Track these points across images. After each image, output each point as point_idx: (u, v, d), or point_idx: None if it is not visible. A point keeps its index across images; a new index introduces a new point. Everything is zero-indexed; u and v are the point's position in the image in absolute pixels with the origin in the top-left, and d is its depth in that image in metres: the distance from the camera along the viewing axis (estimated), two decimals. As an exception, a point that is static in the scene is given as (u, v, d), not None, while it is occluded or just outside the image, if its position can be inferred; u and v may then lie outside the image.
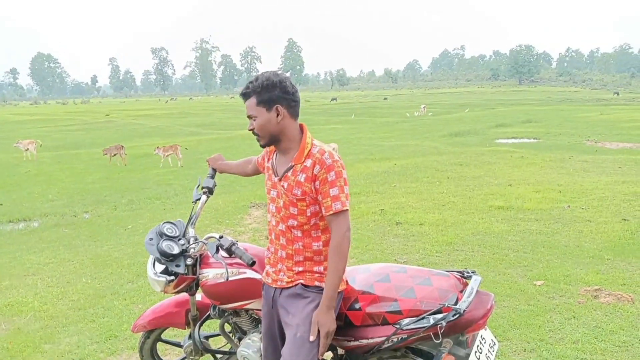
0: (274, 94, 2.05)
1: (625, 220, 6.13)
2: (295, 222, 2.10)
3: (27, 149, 16.47)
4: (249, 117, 2.11)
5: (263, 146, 2.17)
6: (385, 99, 60.98)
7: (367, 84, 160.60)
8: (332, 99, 60.21)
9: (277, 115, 2.06)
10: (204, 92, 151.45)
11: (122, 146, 15.27)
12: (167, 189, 10.70)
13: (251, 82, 2.09)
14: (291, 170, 2.09)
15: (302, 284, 2.12)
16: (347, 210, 2.03)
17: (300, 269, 2.13)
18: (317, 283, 2.12)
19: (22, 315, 4.20)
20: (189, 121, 32.68)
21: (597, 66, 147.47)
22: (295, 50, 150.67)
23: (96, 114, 44.31)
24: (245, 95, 2.11)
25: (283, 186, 2.10)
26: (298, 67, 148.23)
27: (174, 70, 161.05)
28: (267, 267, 2.26)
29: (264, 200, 8.17)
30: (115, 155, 15.07)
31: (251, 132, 2.14)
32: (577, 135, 17.49)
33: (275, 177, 2.16)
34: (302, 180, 2.05)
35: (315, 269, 2.12)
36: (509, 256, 5.04)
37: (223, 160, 2.80)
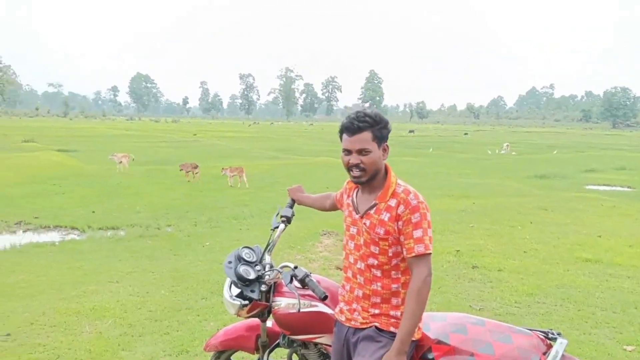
0: (386, 131, 2.08)
1: None
2: (376, 262, 2.08)
3: (121, 162, 17.69)
4: (359, 151, 2.04)
5: (363, 182, 2.10)
6: (466, 134, 59.67)
7: (447, 118, 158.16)
8: (410, 131, 59.82)
9: (384, 152, 2.09)
10: (284, 117, 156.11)
11: (197, 165, 16.08)
12: (244, 209, 11.03)
13: (363, 116, 2.04)
14: (374, 209, 2.08)
15: (376, 327, 2.09)
16: (430, 254, 1.99)
17: (377, 311, 2.10)
18: (392, 329, 2.07)
19: (104, 320, 4.45)
20: (269, 145, 33.72)
21: None
22: (375, 82, 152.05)
23: (185, 133, 46.94)
24: (359, 129, 2.04)
25: (365, 224, 2.09)
26: (377, 98, 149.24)
27: (259, 96, 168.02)
28: (342, 305, 2.24)
29: (336, 229, 8.19)
30: (189, 172, 15.88)
31: (352, 166, 2.07)
32: (679, 187, 16.07)
33: (357, 214, 2.15)
34: (386, 219, 2.03)
35: (392, 312, 2.08)
36: (596, 314, 4.66)
37: (303, 192, 2.83)
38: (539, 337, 2.08)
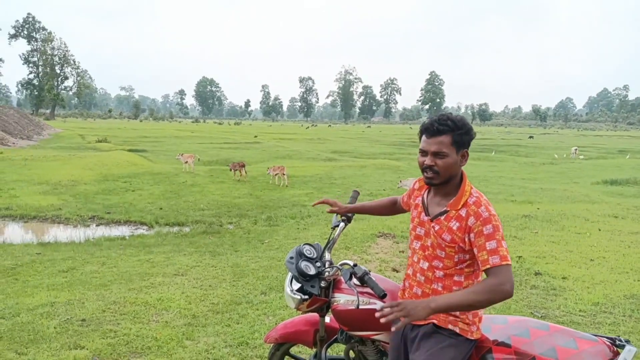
0: (467, 137, 2.06)
1: None
2: (441, 264, 2.10)
3: (187, 162, 18.43)
4: (435, 153, 2.04)
5: (435, 184, 2.10)
6: (530, 137, 57.44)
7: (511, 121, 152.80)
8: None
9: (462, 159, 2.08)
10: (342, 120, 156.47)
11: (244, 164, 16.69)
12: (302, 210, 11.21)
13: (445, 119, 2.04)
14: (445, 215, 2.08)
15: (434, 324, 2.11)
16: (509, 265, 1.92)
17: None
18: (450, 326, 2.09)
19: (170, 310, 4.70)
20: (326, 147, 33.96)
21: None
22: (436, 83, 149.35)
23: (246, 135, 48.16)
24: (439, 131, 2.03)
25: (434, 227, 2.10)
26: (438, 100, 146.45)
27: (317, 99, 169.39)
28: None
29: (392, 231, 8.17)
30: (236, 170, 16.43)
31: (426, 167, 2.07)
32: None
33: (426, 216, 2.16)
34: (455, 228, 2.04)
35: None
36: (670, 328, 4.40)
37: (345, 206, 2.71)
38: (605, 343, 2.02)
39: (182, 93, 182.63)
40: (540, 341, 2.02)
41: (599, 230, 8.73)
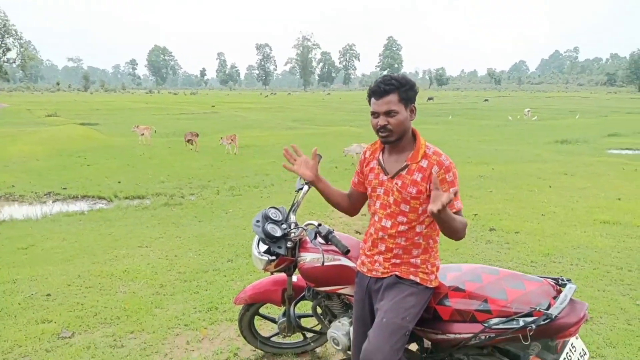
0: (412, 93, 2.17)
1: None
2: (405, 219, 2.21)
3: (143, 134, 17.98)
4: (386, 112, 2.13)
5: (391, 142, 2.20)
6: (486, 100, 58.66)
7: (467, 84, 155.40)
8: (429, 99, 58.99)
9: (411, 114, 2.19)
10: (302, 87, 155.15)
11: (197, 134, 16.68)
12: (265, 178, 11.23)
13: (389, 79, 2.14)
14: (406, 170, 2.19)
15: (396, 276, 2.24)
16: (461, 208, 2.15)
17: (397, 261, 2.24)
18: (411, 277, 2.22)
19: (137, 281, 4.71)
20: (287, 115, 33.74)
21: None
22: (394, 49, 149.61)
23: (203, 105, 47.17)
24: (385, 92, 2.13)
25: (397, 184, 2.20)
26: (396, 66, 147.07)
27: (276, 66, 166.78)
28: (363, 257, 2.38)
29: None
30: (189, 140, 16.43)
31: (381, 127, 2.16)
32: None
33: (385, 175, 2.25)
34: (418, 179, 2.15)
35: (412, 261, 2.23)
36: (611, 273, 4.76)
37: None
38: (549, 283, 2.21)
39: (133, 63, 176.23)
40: (491, 284, 2.19)
41: (550, 187, 9.17)
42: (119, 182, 10.91)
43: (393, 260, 2.25)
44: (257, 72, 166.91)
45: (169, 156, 14.97)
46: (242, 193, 9.72)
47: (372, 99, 2.19)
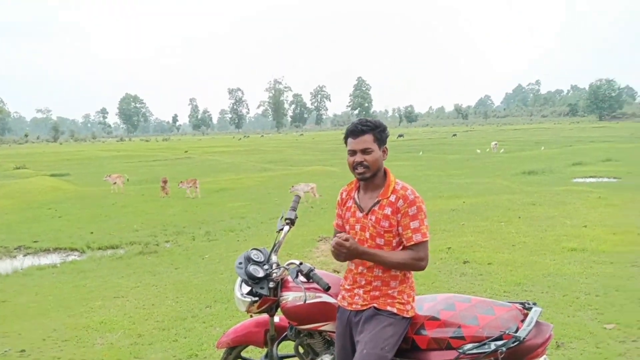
0: (385, 135, 2.41)
1: None
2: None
3: (115, 183, 17.85)
4: (363, 150, 2.35)
5: (366, 179, 2.39)
6: (454, 135, 60.20)
7: (436, 120, 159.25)
8: (399, 135, 60.23)
9: (384, 154, 2.42)
10: (275, 129, 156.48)
11: (166, 180, 16.67)
12: (241, 221, 11.25)
13: (365, 121, 2.39)
14: (378, 205, 2.38)
15: (375, 307, 2.37)
16: (427, 241, 2.31)
17: (376, 293, 2.38)
18: (389, 308, 2.35)
19: (114, 332, 4.66)
20: (261, 157, 33.95)
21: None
22: (364, 88, 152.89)
23: (176, 150, 47.08)
24: (362, 132, 2.37)
25: (371, 219, 2.38)
26: (366, 105, 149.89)
27: (248, 109, 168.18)
28: (343, 292, 2.51)
29: (331, 234, 8.42)
30: (163, 187, 16.39)
31: (357, 164, 2.36)
32: (663, 175, 16.45)
33: (361, 212, 2.43)
34: (389, 213, 2.34)
35: (390, 292, 2.37)
36: (580, 299, 4.93)
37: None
38: (517, 307, 2.36)
39: (104, 112, 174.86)
40: (464, 312, 2.32)
41: (519, 217, 9.45)
42: (92, 233, 10.77)
43: (372, 293, 2.38)
44: (229, 116, 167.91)
45: (142, 204, 14.87)
46: (218, 238, 9.71)
47: (350, 139, 2.42)
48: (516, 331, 2.17)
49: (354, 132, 2.38)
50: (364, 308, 2.39)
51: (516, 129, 75.78)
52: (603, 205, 10.53)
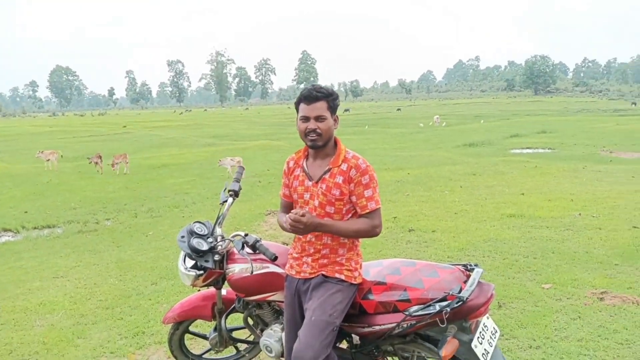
0: (337, 103, 2.35)
1: (635, 227, 6.23)
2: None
3: (49, 160, 16.93)
4: (316, 117, 2.28)
5: (318, 146, 2.33)
6: (398, 109, 61.14)
7: (380, 95, 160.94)
8: (345, 110, 60.45)
9: (335, 122, 2.38)
10: (218, 103, 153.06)
11: (101, 155, 16.24)
12: (185, 197, 10.98)
13: (320, 88, 2.34)
14: (329, 173, 2.34)
15: (323, 275, 2.36)
16: (380, 208, 2.32)
17: (325, 261, 2.37)
18: (337, 275, 2.35)
19: (54, 313, 4.45)
20: (204, 132, 33.16)
21: (614, 76, 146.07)
22: (309, 62, 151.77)
23: (113, 126, 45.12)
24: (316, 98, 2.30)
25: (321, 187, 2.34)
26: (312, 79, 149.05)
27: (190, 83, 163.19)
28: (291, 261, 2.48)
29: (278, 208, 8.39)
30: (97, 163, 15.99)
31: (310, 131, 2.30)
32: (592, 146, 17.49)
33: (310, 180, 2.38)
34: (340, 182, 2.31)
35: (338, 259, 2.37)
36: (519, 261, 5.18)
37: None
38: (460, 269, 2.43)
39: (33, 85, 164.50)
40: (409, 275, 2.36)
41: (461, 187, 9.78)
42: (26, 212, 10.19)
43: (321, 261, 2.37)
44: (170, 89, 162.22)
45: (79, 181, 14.21)
46: (162, 214, 9.44)
47: (302, 104, 2.33)
48: (459, 292, 2.24)
49: (308, 97, 2.31)
50: (312, 276, 2.38)
51: (457, 103, 77.98)
52: (539, 174, 11.07)
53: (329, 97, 2.32)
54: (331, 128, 2.33)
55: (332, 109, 2.34)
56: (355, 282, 2.37)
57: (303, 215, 2.20)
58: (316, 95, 2.30)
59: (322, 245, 2.37)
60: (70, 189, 12.99)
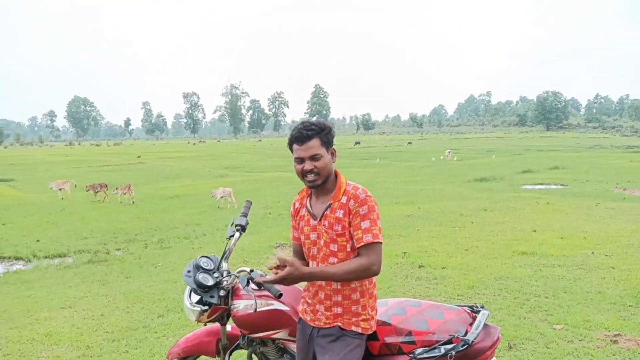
0: (331, 136, 2.27)
1: (650, 267, 6.11)
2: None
3: (61, 189, 17.19)
4: (312, 157, 2.20)
5: (318, 186, 2.26)
6: (409, 143, 61.32)
7: (392, 129, 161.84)
8: (356, 143, 60.82)
9: (332, 156, 2.29)
10: (232, 135, 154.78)
11: (106, 185, 16.75)
12: (196, 229, 11.01)
13: (309, 125, 2.23)
14: (329, 209, 2.25)
15: (339, 327, 2.25)
16: (379, 243, 2.16)
17: (339, 309, 2.26)
18: (354, 328, 2.25)
19: (61, 344, 4.44)
20: (217, 163, 33.47)
21: (627, 113, 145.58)
22: (322, 96, 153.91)
23: (128, 156, 45.76)
24: (308, 137, 2.21)
25: (324, 225, 2.25)
26: (324, 112, 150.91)
27: (204, 114, 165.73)
28: (305, 305, 2.40)
29: (288, 241, 8.37)
30: (98, 192, 16.45)
31: (306, 172, 2.22)
32: (605, 183, 17.30)
33: (315, 219, 2.31)
34: (341, 216, 2.22)
35: (353, 308, 2.25)
36: (530, 301, 5.09)
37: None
38: (466, 311, 2.39)
39: (52, 114, 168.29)
40: (414, 316, 2.33)
41: (472, 222, 9.70)
42: (38, 241, 10.28)
43: (335, 310, 2.26)
44: (185, 120, 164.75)
45: (91, 211, 14.34)
46: (172, 245, 9.46)
47: (295, 145, 2.25)
48: (465, 334, 2.20)
49: (299, 138, 2.21)
50: (328, 326, 2.27)
51: (468, 138, 78.02)
52: (551, 211, 10.96)
53: (321, 133, 2.22)
54: (328, 164, 2.24)
55: (327, 143, 2.24)
56: (371, 332, 2.29)
57: (282, 266, 2.11)
58: (307, 134, 2.20)
59: (333, 291, 2.26)
60: (83, 218, 13.11)
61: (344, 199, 2.23)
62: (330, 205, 2.26)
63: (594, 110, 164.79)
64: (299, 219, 2.40)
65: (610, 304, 4.90)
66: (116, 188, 16.05)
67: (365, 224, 2.16)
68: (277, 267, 2.16)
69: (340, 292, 2.25)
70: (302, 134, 2.21)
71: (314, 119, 2.36)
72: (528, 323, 4.48)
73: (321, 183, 2.25)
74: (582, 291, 5.32)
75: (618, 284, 5.54)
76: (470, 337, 2.16)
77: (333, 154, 2.30)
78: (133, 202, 15.42)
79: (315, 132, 2.22)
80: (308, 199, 2.39)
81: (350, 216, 2.19)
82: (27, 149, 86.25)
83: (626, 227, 8.94)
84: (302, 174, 2.25)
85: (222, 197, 14.12)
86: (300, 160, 2.25)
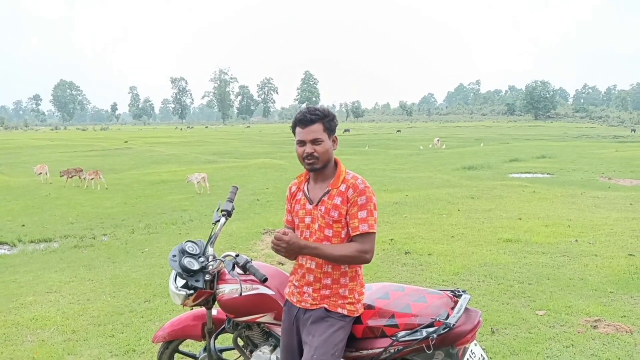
0: (334, 124, 2.31)
1: (631, 255, 6.23)
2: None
3: (40, 173, 17.05)
4: (312, 140, 2.24)
5: (317, 169, 2.30)
6: (398, 131, 61.37)
7: (381, 116, 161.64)
8: (345, 130, 60.64)
9: (334, 143, 2.32)
10: (220, 121, 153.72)
11: (81, 169, 16.63)
12: (183, 214, 10.98)
13: (314, 110, 2.28)
14: (328, 195, 2.29)
15: (325, 309, 2.29)
16: (373, 233, 2.23)
17: (327, 292, 2.30)
18: (339, 310, 2.29)
19: (46, 328, 4.43)
20: (205, 149, 33.28)
21: (614, 103, 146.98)
22: (311, 82, 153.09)
23: (115, 141, 45.27)
24: (311, 121, 2.25)
25: (320, 210, 2.29)
26: (314, 99, 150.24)
27: (192, 100, 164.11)
28: (292, 287, 2.43)
29: (276, 227, 8.39)
30: (72, 177, 16.40)
31: (307, 155, 2.26)
32: (590, 172, 17.52)
33: (311, 204, 2.34)
34: (339, 203, 2.26)
35: (341, 291, 2.30)
36: (514, 287, 5.17)
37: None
38: (448, 295, 2.43)
39: (37, 98, 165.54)
40: (397, 300, 2.36)
41: (458, 210, 9.78)
42: (23, 225, 10.20)
43: (322, 292, 2.30)
44: (172, 105, 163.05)
45: (77, 195, 14.24)
46: (159, 231, 9.44)
47: (298, 128, 2.29)
48: (446, 318, 2.24)
49: (303, 121, 2.27)
50: (314, 307, 2.31)
51: (457, 126, 78.29)
52: (536, 199, 11.09)
53: (325, 119, 2.27)
54: (329, 150, 2.28)
55: (329, 130, 2.28)
56: (356, 315, 2.32)
57: (285, 234, 2.16)
58: (311, 118, 2.25)
59: (323, 274, 2.30)
60: (69, 203, 13.01)
61: (342, 187, 2.28)
62: (328, 192, 2.30)
63: (582, 100, 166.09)
64: (295, 202, 2.44)
65: (592, 290, 5.00)
66: (88, 172, 16.07)
67: (362, 214, 2.23)
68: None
69: (330, 275, 2.29)
70: (306, 117, 2.27)
71: (305, 104, 2.36)
72: (511, 309, 4.56)
73: (320, 167, 2.29)
74: (565, 278, 5.41)
75: (600, 270, 5.64)
76: (451, 320, 2.20)
77: (334, 141, 2.34)
78: (106, 188, 15.39)
79: (318, 117, 2.27)
80: (306, 183, 2.43)
81: (348, 205, 2.25)
82: (12, 133, 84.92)
83: (610, 215, 9.08)
84: (303, 157, 2.29)
85: (198, 182, 14.24)
86: (302, 143, 2.29)
